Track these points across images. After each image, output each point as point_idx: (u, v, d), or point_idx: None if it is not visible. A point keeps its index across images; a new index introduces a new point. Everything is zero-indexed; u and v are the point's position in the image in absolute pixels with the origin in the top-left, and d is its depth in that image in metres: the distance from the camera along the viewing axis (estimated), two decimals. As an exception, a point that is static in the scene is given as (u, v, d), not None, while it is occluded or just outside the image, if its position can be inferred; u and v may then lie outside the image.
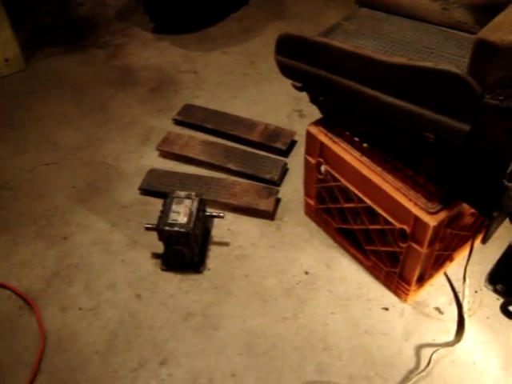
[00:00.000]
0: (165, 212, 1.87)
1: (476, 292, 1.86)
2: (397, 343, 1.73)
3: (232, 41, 3.01)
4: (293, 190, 2.18)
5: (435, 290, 1.87)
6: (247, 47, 2.97)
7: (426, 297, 1.85)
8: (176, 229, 1.82)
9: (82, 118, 2.60)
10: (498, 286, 1.70)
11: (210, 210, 1.99)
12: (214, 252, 2.01)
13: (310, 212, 2.07)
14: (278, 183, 2.19)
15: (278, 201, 2.13)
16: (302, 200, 2.10)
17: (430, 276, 1.86)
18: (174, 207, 1.88)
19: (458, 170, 1.48)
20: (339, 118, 1.73)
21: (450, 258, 1.90)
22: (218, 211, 2.01)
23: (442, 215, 1.54)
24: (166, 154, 2.35)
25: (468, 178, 1.45)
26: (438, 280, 1.89)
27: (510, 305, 1.50)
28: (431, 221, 1.52)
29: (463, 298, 1.81)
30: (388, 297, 1.86)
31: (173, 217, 1.85)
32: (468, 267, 1.79)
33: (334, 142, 1.73)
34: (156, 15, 3.10)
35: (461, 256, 1.93)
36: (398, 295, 1.85)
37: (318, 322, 1.80)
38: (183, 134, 2.40)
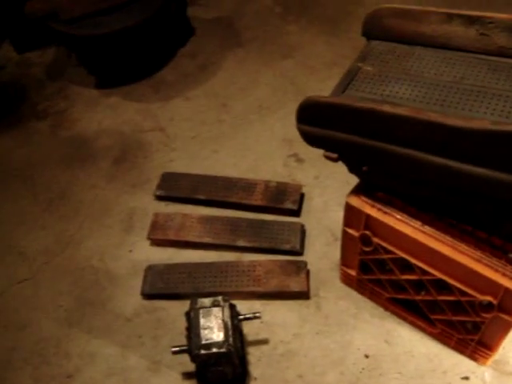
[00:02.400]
0: (193, 330, 1.57)
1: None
2: (491, 418, 1.54)
3: (191, 82, 2.67)
4: (319, 256, 1.94)
5: (510, 342, 1.68)
6: (211, 87, 2.64)
7: (502, 352, 1.69)
8: (214, 350, 1.53)
9: (44, 213, 2.21)
10: None
11: (241, 312, 1.70)
12: (253, 355, 1.74)
13: (350, 281, 1.83)
14: (300, 252, 1.92)
15: (308, 274, 1.87)
16: (335, 267, 1.87)
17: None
18: (202, 322, 1.58)
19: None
20: (390, 186, 1.48)
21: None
22: (242, 304, 1.74)
23: (536, 281, 1.34)
24: (159, 242, 2.03)
25: None
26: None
27: None
28: (527, 291, 1.32)
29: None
30: (464, 363, 1.68)
31: (205, 335, 1.55)
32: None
33: (386, 213, 1.49)
34: (98, 67, 2.70)
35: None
36: (475, 360, 1.67)
37: (398, 413, 1.58)
38: (173, 213, 2.08)
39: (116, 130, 2.50)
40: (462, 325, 1.58)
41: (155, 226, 2.03)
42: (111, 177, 2.31)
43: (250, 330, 1.79)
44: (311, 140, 1.45)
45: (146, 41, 2.58)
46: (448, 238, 1.43)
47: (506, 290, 1.35)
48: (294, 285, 1.81)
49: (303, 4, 2.64)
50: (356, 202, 1.53)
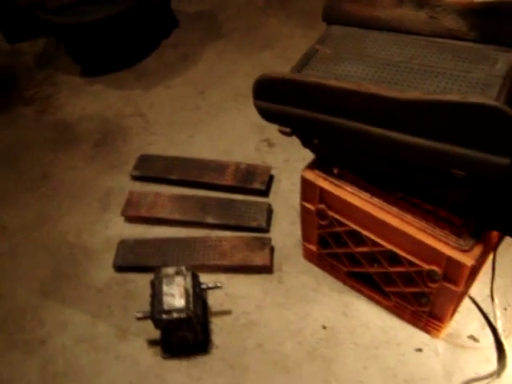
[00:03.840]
0: (156, 296, 1.62)
1: (505, 309, 1.74)
2: (441, 386, 1.58)
3: (172, 72, 2.73)
4: (284, 233, 1.98)
5: (464, 317, 1.74)
6: (190, 76, 2.70)
7: (456, 326, 1.72)
8: (175, 315, 1.58)
9: (26, 192, 2.27)
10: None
11: (204, 282, 1.75)
12: (217, 325, 1.78)
13: (311, 256, 1.87)
14: (266, 229, 1.97)
15: (272, 250, 1.91)
16: (298, 243, 1.91)
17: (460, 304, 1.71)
18: (165, 289, 1.62)
19: (490, 201, 1.32)
20: (339, 159, 1.53)
21: (471, 281, 1.75)
22: (208, 278, 1.79)
23: (477, 251, 1.39)
24: (133, 219, 2.08)
25: (501, 207, 1.30)
26: (464, 304, 1.74)
27: None
28: (468, 260, 1.37)
29: (496, 320, 1.69)
30: (418, 336, 1.71)
31: (167, 301, 1.60)
32: (493, 284, 1.67)
33: (337, 185, 1.54)
34: (82, 56, 2.77)
35: (480, 273, 1.79)
36: (428, 332, 1.71)
37: (351, 381, 1.62)
38: (147, 191, 2.13)
39: (98, 116, 2.55)
40: (414, 297, 1.62)
41: (129, 203, 2.08)
42: (91, 159, 2.36)
43: (214, 301, 1.83)
44: (267, 115, 1.49)
45: (129, 30, 2.64)
46: (395, 210, 1.47)
47: (449, 258, 1.38)
48: (258, 259, 1.86)
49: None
50: (310, 175, 1.58)
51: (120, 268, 1.93)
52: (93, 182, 2.27)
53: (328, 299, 1.81)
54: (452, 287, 1.45)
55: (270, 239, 1.91)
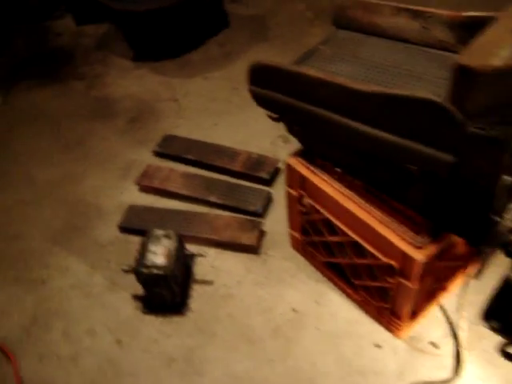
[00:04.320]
0: (142, 253, 1.77)
1: (474, 324, 1.75)
2: (391, 383, 1.62)
3: (213, 66, 2.92)
4: (278, 221, 2.08)
5: (430, 323, 1.77)
6: (229, 72, 2.87)
7: (420, 331, 1.75)
8: (154, 271, 1.73)
9: (60, 153, 2.52)
10: (493, 323, 1.58)
11: (190, 249, 1.89)
12: (197, 292, 1.91)
13: (297, 245, 1.97)
14: (261, 215, 2.09)
15: (262, 234, 2.03)
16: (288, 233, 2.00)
17: (424, 308, 1.76)
18: (151, 247, 1.78)
19: (445, 201, 1.38)
20: (318, 148, 1.64)
21: (444, 289, 1.80)
22: (200, 249, 1.92)
23: (431, 249, 1.44)
24: (145, 189, 2.26)
25: (455, 210, 1.36)
26: (433, 312, 1.79)
27: (508, 347, 1.37)
28: (419, 256, 1.42)
29: (460, 331, 1.72)
30: (380, 333, 1.76)
31: (150, 258, 1.75)
32: (465, 298, 1.70)
33: (315, 173, 1.64)
34: (135, 42, 3.02)
35: (456, 286, 1.83)
36: (390, 331, 1.76)
37: (307, 362, 1.70)
38: (163, 166, 2.31)
39: (137, 97, 2.78)
40: (378, 292, 1.69)
41: (145, 174, 2.26)
42: (123, 133, 2.58)
43: (200, 270, 1.97)
44: (258, 100, 1.62)
45: (179, 23, 2.84)
46: (362, 201, 1.56)
47: (403, 254, 1.44)
48: (246, 239, 1.98)
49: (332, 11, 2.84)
50: (293, 161, 1.68)
51: (124, 229, 2.11)
52: (119, 153, 2.47)
53: (304, 286, 1.90)
54: (407, 283, 1.51)
55: (261, 223, 2.03)
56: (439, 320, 1.77)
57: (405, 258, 1.45)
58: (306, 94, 1.45)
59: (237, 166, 2.24)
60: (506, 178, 1.16)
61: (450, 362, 1.67)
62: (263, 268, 1.96)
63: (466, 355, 1.66)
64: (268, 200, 2.13)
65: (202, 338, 1.79)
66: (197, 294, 1.91)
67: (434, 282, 1.65)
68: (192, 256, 1.92)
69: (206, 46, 3.07)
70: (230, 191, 2.15)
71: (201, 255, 1.88)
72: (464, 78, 1.13)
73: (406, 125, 1.26)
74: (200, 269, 1.97)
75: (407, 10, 1.61)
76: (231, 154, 2.30)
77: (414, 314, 1.71)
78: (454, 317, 1.77)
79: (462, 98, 1.16)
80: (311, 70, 1.44)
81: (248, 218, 2.06)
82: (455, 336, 1.73)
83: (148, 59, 3.01)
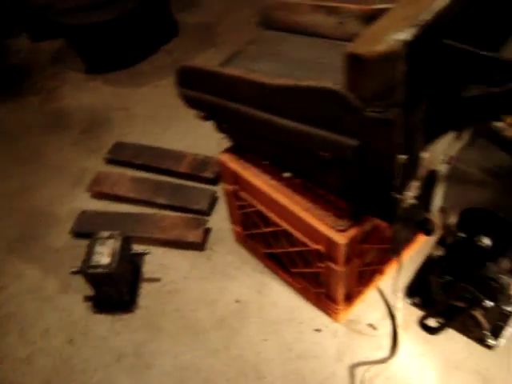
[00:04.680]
0: (88, 254, 1.83)
1: (410, 304, 1.82)
2: (330, 365, 1.69)
3: (163, 74, 3.00)
4: (222, 218, 2.14)
5: (368, 306, 1.83)
6: (178, 79, 2.95)
7: (359, 314, 1.82)
8: (99, 270, 1.79)
9: (15, 165, 2.58)
10: (416, 299, 1.65)
11: (139, 249, 1.96)
12: (145, 289, 1.97)
13: (240, 239, 2.04)
14: (207, 213, 2.16)
15: (207, 231, 2.10)
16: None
17: (361, 292, 1.83)
18: (97, 248, 1.84)
19: (358, 184, 1.45)
20: (246, 143, 1.71)
21: (380, 272, 1.87)
22: (146, 248, 1.98)
23: (353, 232, 1.50)
24: (96, 195, 2.32)
25: (367, 191, 1.43)
26: (371, 295, 1.86)
27: (426, 319, 1.44)
28: (341, 239, 1.49)
29: (396, 312, 1.78)
30: (320, 318, 1.82)
31: (96, 258, 1.81)
32: (400, 279, 1.76)
33: (245, 168, 1.71)
34: (87, 55, 3.09)
35: (392, 268, 1.90)
36: (329, 315, 1.82)
37: (250, 350, 1.76)
38: (114, 172, 2.38)
39: (90, 108, 2.86)
40: (313, 278, 1.76)
41: (96, 180, 2.32)
42: (76, 143, 2.65)
43: (148, 269, 2.02)
44: (188, 101, 1.70)
45: (128, 33, 2.92)
46: (288, 191, 1.62)
47: (327, 238, 1.52)
48: (191, 236, 2.04)
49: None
50: (225, 157, 1.75)
51: (76, 234, 2.17)
52: (73, 162, 2.54)
53: (247, 277, 1.96)
54: (334, 267, 1.57)
55: (206, 221, 2.10)
56: (377, 302, 1.84)
57: (329, 242, 1.51)
58: (228, 92, 1.52)
59: (183, 168, 2.31)
60: (401, 156, 1.24)
61: (387, 342, 1.73)
62: (208, 263, 2.02)
63: (402, 334, 1.72)
64: (213, 198, 2.20)
65: (150, 332, 1.84)
66: (145, 291, 1.96)
67: (364, 265, 1.72)
68: (140, 255, 1.98)
69: (157, 55, 3.16)
70: (176, 192, 2.22)
71: (146, 253, 1.94)
72: (354, 65, 1.20)
73: (312, 113, 1.33)
74: (148, 267, 2.03)
75: (323, 7, 1.69)
76: (178, 156, 2.37)
77: (350, 298, 1.78)
78: (391, 298, 1.83)
79: (355, 84, 1.23)
80: (231, 69, 1.51)
81: (194, 216, 2.13)
82: (392, 317, 1.79)
83: (101, 71, 3.09)
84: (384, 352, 1.71)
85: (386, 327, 1.78)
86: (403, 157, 1.26)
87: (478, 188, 1.35)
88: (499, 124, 1.25)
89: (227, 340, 1.79)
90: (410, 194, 1.31)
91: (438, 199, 1.46)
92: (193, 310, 1.89)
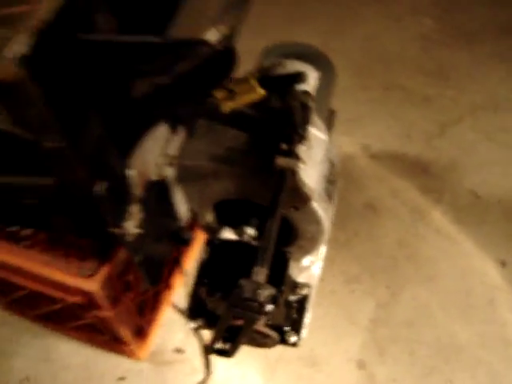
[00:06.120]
0: None
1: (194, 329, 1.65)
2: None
3: None
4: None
5: (169, 329, 1.65)
6: None
7: (161, 341, 1.63)
8: None
9: None
10: (199, 321, 1.45)
11: None
12: None
13: (4, 307, 1.72)
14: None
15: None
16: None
17: (154, 319, 1.62)
18: None
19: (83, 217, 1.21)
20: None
21: (168, 288, 1.67)
22: None
23: (104, 272, 1.27)
24: None
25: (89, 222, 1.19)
26: (168, 315, 1.66)
27: (215, 343, 1.21)
28: (92, 286, 1.26)
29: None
30: (121, 363, 1.61)
31: None
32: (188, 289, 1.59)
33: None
34: None
35: (179, 281, 1.71)
36: (129, 356, 1.60)
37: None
38: None
39: None
40: (93, 327, 1.51)
41: None
42: None
43: None
44: None
45: None
46: (19, 248, 1.34)
47: (80, 289, 1.27)
48: None
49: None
50: None
51: None
52: None
53: (29, 348, 1.66)
54: (102, 314, 1.35)
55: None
56: (177, 321, 1.65)
57: (82, 292, 1.28)
58: None
59: None
60: (98, 186, 1.00)
61: (199, 361, 1.55)
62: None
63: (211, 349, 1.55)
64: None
65: None
66: None
67: (140, 294, 1.50)
68: None
69: None
70: None
71: None
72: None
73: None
74: None
75: None
76: None
77: (142, 331, 1.57)
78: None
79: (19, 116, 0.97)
80: None
81: None
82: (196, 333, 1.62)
83: None
84: (199, 374, 1.53)
85: (193, 345, 1.59)
86: (102, 186, 1.03)
87: (218, 180, 1.17)
88: (214, 102, 1.06)
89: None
90: (132, 223, 1.09)
91: (181, 205, 1.26)
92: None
